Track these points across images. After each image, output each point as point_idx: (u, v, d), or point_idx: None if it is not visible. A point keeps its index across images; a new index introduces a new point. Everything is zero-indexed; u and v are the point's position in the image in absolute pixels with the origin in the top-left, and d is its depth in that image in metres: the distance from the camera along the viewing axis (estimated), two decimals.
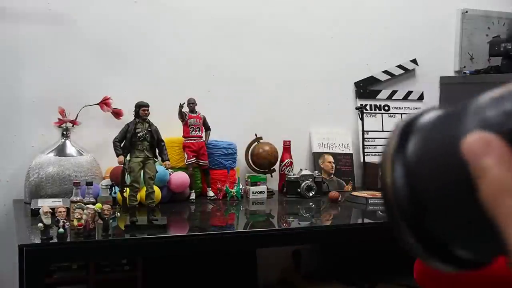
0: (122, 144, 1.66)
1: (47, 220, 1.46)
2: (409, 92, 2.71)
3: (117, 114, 2.17)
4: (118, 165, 1.71)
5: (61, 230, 1.45)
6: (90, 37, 2.22)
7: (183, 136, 2.19)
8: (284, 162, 2.42)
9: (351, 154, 2.59)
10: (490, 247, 0.30)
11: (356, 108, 2.61)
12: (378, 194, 2.28)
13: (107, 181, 1.96)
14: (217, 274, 2.25)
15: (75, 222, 1.52)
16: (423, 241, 0.31)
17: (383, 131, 2.65)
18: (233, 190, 2.20)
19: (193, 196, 2.16)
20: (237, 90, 2.46)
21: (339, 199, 2.21)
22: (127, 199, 1.69)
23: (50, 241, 1.46)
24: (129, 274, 2.05)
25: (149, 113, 1.68)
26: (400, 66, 2.68)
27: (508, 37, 2.63)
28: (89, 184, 1.77)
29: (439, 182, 0.29)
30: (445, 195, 0.29)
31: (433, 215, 0.30)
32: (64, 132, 2.10)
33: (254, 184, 2.28)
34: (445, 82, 2.76)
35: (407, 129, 0.33)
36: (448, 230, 0.30)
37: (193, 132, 2.18)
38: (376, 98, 2.67)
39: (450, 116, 0.31)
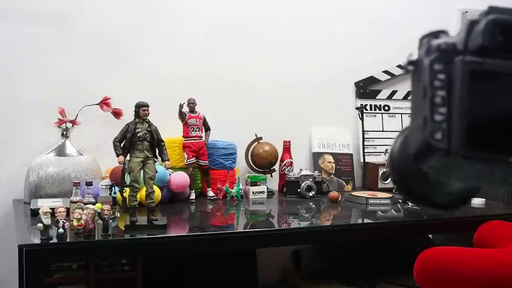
0: (122, 144, 1.66)
1: (47, 220, 1.46)
2: (409, 92, 2.71)
3: (117, 114, 2.17)
4: (118, 165, 1.71)
5: (61, 230, 1.45)
6: (90, 37, 2.22)
7: (183, 136, 2.19)
8: (284, 162, 2.42)
9: (351, 154, 2.59)
10: (447, 195, 0.48)
11: (356, 108, 2.61)
12: (378, 194, 2.28)
13: (107, 181, 1.96)
14: (217, 274, 2.25)
15: (75, 222, 1.51)
16: (412, 196, 0.50)
17: (383, 131, 2.65)
18: (233, 190, 2.20)
19: (193, 196, 2.16)
20: (237, 90, 2.46)
21: (339, 199, 2.21)
22: (127, 199, 1.69)
23: (50, 241, 1.46)
24: (129, 274, 2.05)
25: (149, 113, 1.68)
26: (400, 66, 2.68)
27: None
28: (89, 184, 1.77)
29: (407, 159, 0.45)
30: (409, 168, 0.45)
31: (410, 181, 0.48)
32: (64, 132, 2.10)
33: (254, 184, 2.28)
34: None
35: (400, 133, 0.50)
36: (420, 188, 0.48)
37: (193, 132, 2.18)
38: (376, 98, 2.67)
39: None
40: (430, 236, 2.47)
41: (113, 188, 1.93)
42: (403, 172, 0.47)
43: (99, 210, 1.55)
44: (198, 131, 2.20)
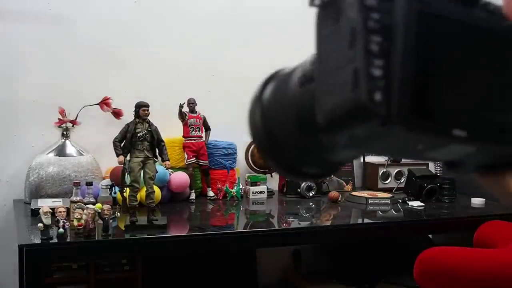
0: (122, 144, 1.66)
1: (47, 220, 1.46)
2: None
3: (117, 114, 2.17)
4: (118, 165, 1.71)
5: (61, 230, 1.45)
6: (90, 37, 2.22)
7: (183, 136, 2.19)
8: None
9: None
10: (327, 164, 0.39)
11: None
12: (378, 194, 2.28)
13: (107, 181, 1.96)
14: (217, 274, 2.25)
15: (75, 222, 1.51)
16: (280, 164, 0.40)
17: None
18: (233, 190, 2.20)
19: (193, 196, 2.16)
20: (237, 90, 2.45)
21: (339, 199, 2.21)
22: (127, 199, 1.69)
23: (50, 241, 1.46)
24: (129, 274, 2.05)
25: (149, 113, 1.68)
26: None
27: None
28: (89, 184, 1.77)
29: (282, 120, 0.38)
30: (287, 131, 0.37)
31: (282, 145, 0.38)
32: (64, 132, 2.10)
33: (254, 184, 2.28)
34: None
35: (268, 79, 0.42)
36: (294, 155, 0.38)
37: (193, 132, 2.18)
38: None
39: (295, 68, 0.39)
40: (430, 236, 2.47)
41: (113, 188, 1.93)
42: (277, 135, 0.37)
43: (99, 210, 1.55)
44: (198, 131, 2.20)
